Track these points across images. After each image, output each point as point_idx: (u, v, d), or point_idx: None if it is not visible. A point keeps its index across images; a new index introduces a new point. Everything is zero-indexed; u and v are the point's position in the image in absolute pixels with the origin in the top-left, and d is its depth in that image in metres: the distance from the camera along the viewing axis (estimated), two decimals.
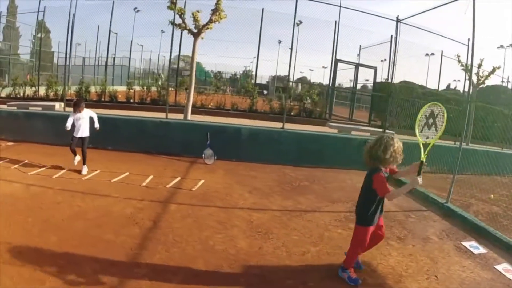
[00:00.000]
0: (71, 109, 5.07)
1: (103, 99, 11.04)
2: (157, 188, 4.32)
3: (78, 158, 4.96)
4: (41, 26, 14.18)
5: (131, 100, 11.25)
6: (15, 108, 7.79)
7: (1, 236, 2.71)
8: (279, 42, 17.88)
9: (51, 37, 18.22)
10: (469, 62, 6.83)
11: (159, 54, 19.43)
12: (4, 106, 7.86)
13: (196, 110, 9.13)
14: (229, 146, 6.03)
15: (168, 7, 6.83)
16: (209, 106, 11.12)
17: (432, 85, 14.85)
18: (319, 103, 10.60)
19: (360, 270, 2.70)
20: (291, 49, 6.54)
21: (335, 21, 10.43)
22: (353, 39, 12.53)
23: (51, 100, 11.29)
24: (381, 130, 7.27)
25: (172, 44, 6.92)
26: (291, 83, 11.14)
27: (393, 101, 7.71)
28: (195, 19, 6.73)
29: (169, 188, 4.37)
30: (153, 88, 11.73)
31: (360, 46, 12.22)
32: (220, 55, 23.17)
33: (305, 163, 6.08)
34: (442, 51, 12.80)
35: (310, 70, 23.50)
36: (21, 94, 11.69)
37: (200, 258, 2.69)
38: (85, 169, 4.76)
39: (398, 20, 6.75)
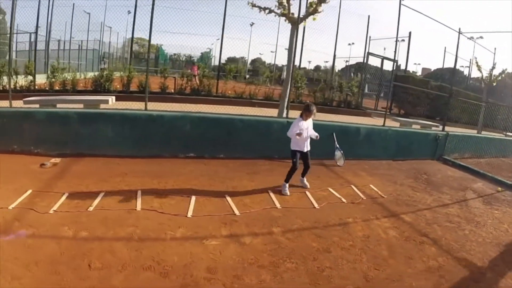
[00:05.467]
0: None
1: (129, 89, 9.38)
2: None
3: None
4: None
5: (169, 91, 9.81)
6: (37, 106, 6.23)
7: None
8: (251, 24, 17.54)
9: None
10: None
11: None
12: (15, 103, 5.90)
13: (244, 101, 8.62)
14: (347, 145, 6.16)
15: None
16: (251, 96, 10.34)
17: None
18: (356, 95, 11.23)
19: None
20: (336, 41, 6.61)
21: (368, 16, 11.05)
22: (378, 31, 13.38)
23: (57, 92, 9.25)
24: (430, 123, 8.43)
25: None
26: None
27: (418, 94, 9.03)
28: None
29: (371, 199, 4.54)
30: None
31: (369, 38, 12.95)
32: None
33: (400, 157, 6.87)
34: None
35: (325, 62, 23.11)
36: (14, 86, 9.26)
37: None
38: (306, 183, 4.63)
39: (460, 32, 7.75)
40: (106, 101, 6.43)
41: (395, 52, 8.41)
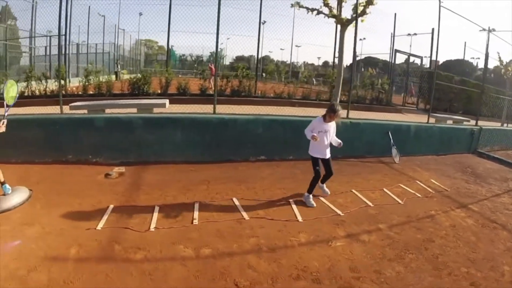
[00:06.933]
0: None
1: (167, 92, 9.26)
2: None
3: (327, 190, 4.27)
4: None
5: (209, 92, 9.63)
6: (86, 111, 5.98)
7: None
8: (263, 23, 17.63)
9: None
10: None
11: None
12: (49, 109, 5.67)
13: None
14: (399, 142, 6.47)
15: None
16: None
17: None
18: (388, 92, 11.54)
19: None
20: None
21: (395, 13, 11.34)
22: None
23: (92, 96, 9.09)
24: (462, 118, 8.81)
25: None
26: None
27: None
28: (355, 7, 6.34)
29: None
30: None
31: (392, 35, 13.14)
32: None
33: (442, 152, 7.23)
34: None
35: (336, 57, 22.95)
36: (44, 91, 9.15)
37: None
38: (327, 190, 4.27)
39: (489, 30, 8.10)
40: (163, 105, 6.21)
41: (431, 49, 8.66)
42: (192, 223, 3.35)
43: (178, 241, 2.98)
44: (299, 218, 3.60)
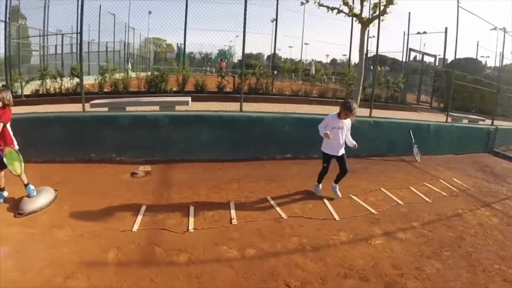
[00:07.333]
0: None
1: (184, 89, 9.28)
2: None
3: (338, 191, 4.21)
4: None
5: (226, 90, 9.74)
6: (106, 109, 5.89)
7: None
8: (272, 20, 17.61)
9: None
10: None
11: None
12: (65, 107, 5.58)
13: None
14: (419, 141, 6.57)
15: None
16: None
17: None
18: (403, 90, 11.60)
19: None
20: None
21: (409, 12, 11.35)
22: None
23: (108, 93, 9.14)
24: (478, 117, 8.89)
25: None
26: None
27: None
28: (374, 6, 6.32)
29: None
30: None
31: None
32: None
33: (460, 151, 7.33)
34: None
35: (343, 55, 23.09)
36: (53, 89, 9.27)
37: None
38: (339, 193, 4.19)
39: (505, 31, 8.14)
40: (186, 103, 6.16)
41: (445, 48, 8.73)
42: (231, 223, 3.35)
43: (220, 242, 2.97)
44: (336, 217, 3.71)
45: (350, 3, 6.59)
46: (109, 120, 5.19)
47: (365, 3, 6.32)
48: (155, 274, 2.48)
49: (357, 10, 6.63)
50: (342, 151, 4.00)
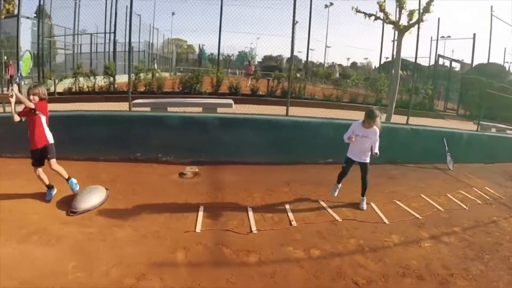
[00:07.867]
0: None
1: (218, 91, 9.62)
2: None
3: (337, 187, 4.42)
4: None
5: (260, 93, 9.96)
6: (148, 108, 6.12)
7: None
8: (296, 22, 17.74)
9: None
10: None
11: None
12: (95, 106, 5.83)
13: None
14: (452, 149, 6.82)
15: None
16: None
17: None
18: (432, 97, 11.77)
19: None
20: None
21: (438, 18, 11.44)
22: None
23: (142, 93, 9.62)
24: (506, 126, 9.10)
25: None
26: None
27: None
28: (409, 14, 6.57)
29: None
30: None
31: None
32: None
33: (489, 160, 7.52)
34: None
35: (365, 58, 23.04)
36: (86, 87, 9.74)
37: None
38: (363, 206, 4.31)
39: None
40: (230, 105, 6.42)
41: (473, 54, 8.89)
42: (290, 224, 3.57)
43: (285, 243, 3.14)
44: (386, 221, 4.08)
45: (387, 10, 6.86)
46: (157, 120, 5.35)
47: (403, 10, 6.57)
48: (229, 274, 2.58)
49: (392, 17, 6.92)
50: (364, 159, 4.17)
